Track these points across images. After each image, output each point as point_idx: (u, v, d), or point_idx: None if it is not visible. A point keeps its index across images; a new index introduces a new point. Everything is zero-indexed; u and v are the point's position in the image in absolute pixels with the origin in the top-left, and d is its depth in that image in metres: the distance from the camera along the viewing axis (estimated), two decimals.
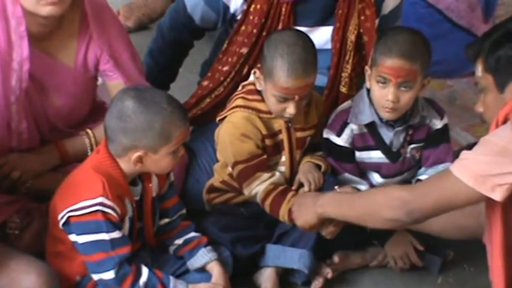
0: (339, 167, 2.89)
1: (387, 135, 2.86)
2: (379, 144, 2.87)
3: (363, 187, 2.88)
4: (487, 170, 2.12)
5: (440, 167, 2.87)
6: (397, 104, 2.74)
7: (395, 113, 2.78)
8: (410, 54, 2.69)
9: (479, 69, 2.32)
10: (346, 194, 2.62)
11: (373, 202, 2.39)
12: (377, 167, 2.91)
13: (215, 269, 2.63)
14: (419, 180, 2.88)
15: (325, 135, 2.90)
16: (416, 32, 2.79)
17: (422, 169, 2.91)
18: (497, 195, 2.12)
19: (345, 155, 2.88)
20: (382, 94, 2.74)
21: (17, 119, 2.63)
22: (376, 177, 2.94)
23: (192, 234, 2.69)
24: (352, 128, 2.85)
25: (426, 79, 2.78)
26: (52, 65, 2.69)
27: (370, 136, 2.86)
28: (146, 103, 2.40)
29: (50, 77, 2.69)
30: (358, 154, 2.89)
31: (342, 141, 2.86)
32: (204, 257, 2.64)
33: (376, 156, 2.89)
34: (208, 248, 2.66)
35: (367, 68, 2.82)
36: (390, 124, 2.83)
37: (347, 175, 2.89)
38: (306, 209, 2.62)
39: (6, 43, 2.53)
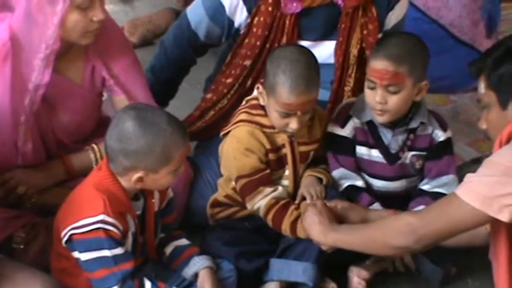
0: (337, 161, 2.91)
1: (386, 135, 2.89)
2: (378, 143, 2.90)
3: (359, 183, 2.89)
4: (493, 191, 2.12)
5: (444, 178, 2.89)
6: (386, 106, 2.77)
7: (387, 115, 2.80)
8: (395, 57, 2.72)
9: (482, 86, 2.33)
10: (356, 225, 2.60)
11: (381, 230, 2.39)
12: (374, 166, 2.93)
13: (202, 274, 2.61)
14: (421, 190, 2.91)
15: (329, 129, 2.93)
16: (411, 37, 2.81)
17: (425, 180, 2.92)
18: (505, 216, 2.12)
19: (346, 146, 2.91)
20: (371, 97, 2.78)
21: (23, 140, 2.65)
22: (375, 182, 2.94)
23: (184, 241, 2.69)
24: (355, 121, 2.89)
25: (422, 83, 2.79)
26: (60, 82, 2.70)
27: (370, 134, 2.90)
28: (146, 125, 2.39)
29: (58, 94, 2.71)
30: (358, 149, 2.92)
31: (344, 132, 2.90)
32: (195, 264, 2.63)
33: (374, 154, 2.91)
34: (201, 256, 2.65)
35: None
36: (389, 125, 2.86)
37: (343, 170, 2.91)
38: (317, 230, 2.61)
39: (26, 64, 2.56)
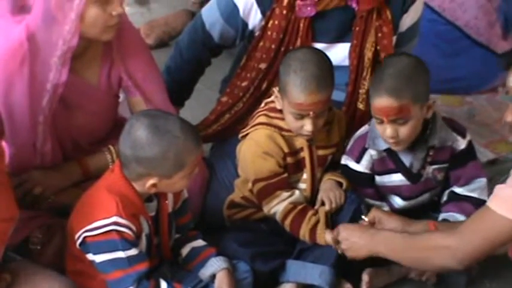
0: (359, 192, 2.89)
1: (407, 157, 2.84)
2: (400, 167, 2.85)
3: (385, 209, 2.88)
4: None
5: (476, 182, 2.86)
6: (398, 138, 2.71)
7: (402, 144, 2.76)
8: (396, 90, 2.64)
9: (510, 79, 2.32)
10: (399, 237, 2.55)
11: (424, 250, 2.39)
12: (397, 189, 2.90)
13: (220, 275, 2.62)
14: (454, 193, 2.86)
15: (343, 161, 2.89)
16: (408, 61, 2.71)
17: (456, 187, 2.88)
18: None
19: (365, 180, 2.88)
20: (381, 130, 2.73)
21: (42, 140, 2.66)
22: (397, 200, 2.93)
23: (200, 242, 2.70)
24: (371, 153, 2.84)
25: (428, 103, 2.73)
26: (77, 83, 2.71)
27: (390, 160, 2.85)
28: (159, 133, 2.40)
29: (74, 95, 2.72)
30: (378, 178, 2.89)
31: (361, 167, 2.86)
32: (213, 265, 2.63)
33: (397, 179, 2.88)
34: (218, 257, 2.65)
35: None
36: (408, 148, 2.81)
37: (366, 200, 2.89)
38: (361, 245, 2.61)
39: (43, 64, 2.57)
